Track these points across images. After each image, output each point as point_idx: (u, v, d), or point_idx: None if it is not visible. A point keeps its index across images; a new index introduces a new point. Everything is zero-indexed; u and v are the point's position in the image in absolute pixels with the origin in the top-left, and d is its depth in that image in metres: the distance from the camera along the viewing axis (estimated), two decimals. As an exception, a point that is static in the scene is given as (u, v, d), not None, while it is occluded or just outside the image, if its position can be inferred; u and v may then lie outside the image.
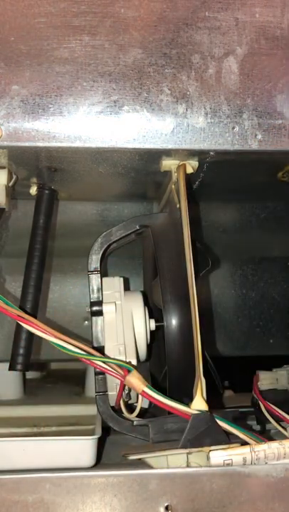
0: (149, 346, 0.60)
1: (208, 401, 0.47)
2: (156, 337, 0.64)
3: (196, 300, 0.49)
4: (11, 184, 0.58)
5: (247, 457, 0.44)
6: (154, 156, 0.54)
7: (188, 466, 0.47)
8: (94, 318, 0.57)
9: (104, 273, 0.62)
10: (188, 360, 0.50)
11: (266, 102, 0.52)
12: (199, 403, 0.46)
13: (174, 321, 0.54)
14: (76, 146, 0.50)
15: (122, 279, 0.61)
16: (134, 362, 0.56)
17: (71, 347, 0.48)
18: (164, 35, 0.51)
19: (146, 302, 0.61)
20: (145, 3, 0.51)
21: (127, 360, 0.55)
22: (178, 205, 0.56)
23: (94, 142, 0.50)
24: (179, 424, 0.47)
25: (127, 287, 0.63)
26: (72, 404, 0.74)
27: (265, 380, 0.67)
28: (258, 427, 0.64)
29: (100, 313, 0.58)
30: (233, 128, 0.51)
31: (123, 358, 0.55)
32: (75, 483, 0.44)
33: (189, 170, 0.55)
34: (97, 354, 0.49)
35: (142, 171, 0.59)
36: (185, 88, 0.51)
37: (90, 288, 0.59)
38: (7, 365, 0.57)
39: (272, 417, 0.60)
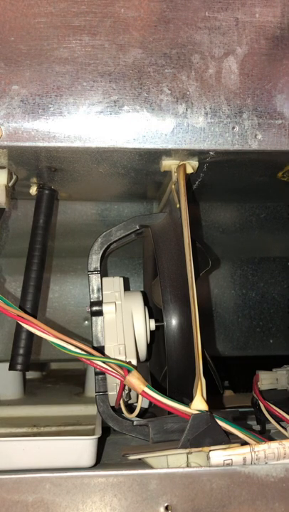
0: (149, 346, 0.60)
1: (208, 401, 0.47)
2: (156, 337, 0.64)
3: (196, 300, 0.49)
4: (11, 184, 0.58)
5: (247, 457, 0.44)
6: (154, 156, 0.54)
7: (188, 466, 0.47)
8: (94, 318, 0.57)
9: (104, 273, 0.62)
10: (188, 360, 0.50)
11: (266, 102, 0.52)
12: (199, 403, 0.46)
13: (174, 321, 0.55)
14: (76, 146, 0.50)
15: (122, 279, 0.61)
16: (134, 362, 0.56)
17: (71, 347, 0.48)
18: (164, 35, 0.51)
19: (146, 302, 0.61)
20: (145, 3, 0.51)
21: (127, 360, 0.55)
22: (178, 205, 0.56)
23: (94, 142, 0.50)
24: (179, 424, 0.47)
25: (127, 287, 0.63)
26: (72, 404, 0.74)
27: (265, 380, 0.67)
28: (258, 427, 0.64)
29: (100, 313, 0.58)
30: (233, 128, 0.51)
31: (123, 358, 0.55)
32: (75, 483, 0.44)
33: (189, 170, 0.55)
34: (97, 354, 0.49)
35: (142, 171, 0.59)
36: (185, 88, 0.51)
37: (90, 288, 0.59)
38: (7, 365, 0.57)
39: (272, 417, 0.60)
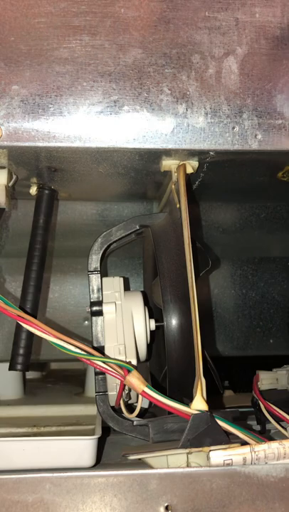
0: (149, 346, 0.60)
1: (208, 401, 0.47)
2: (156, 337, 0.64)
3: (196, 300, 0.49)
4: (11, 184, 0.58)
5: (247, 457, 0.44)
6: (154, 156, 0.54)
7: (188, 466, 0.47)
8: (94, 318, 0.58)
9: (104, 273, 0.62)
10: (189, 360, 0.50)
11: (266, 102, 0.52)
12: (199, 403, 0.46)
13: (174, 321, 0.54)
14: (76, 146, 0.50)
15: (122, 279, 0.61)
16: (134, 362, 0.56)
17: (71, 347, 0.48)
18: (164, 35, 0.51)
19: (146, 302, 0.61)
20: (145, 3, 0.51)
21: (127, 360, 0.55)
22: (178, 205, 0.56)
23: (94, 142, 0.50)
24: (179, 424, 0.47)
25: (127, 287, 0.63)
26: (72, 404, 0.74)
27: (265, 380, 0.67)
28: (258, 427, 0.64)
29: (100, 313, 0.58)
30: (233, 128, 0.51)
31: (123, 358, 0.55)
32: (75, 483, 0.44)
33: (189, 170, 0.55)
34: (97, 354, 0.49)
35: (142, 171, 0.59)
36: (185, 88, 0.51)
37: (90, 288, 0.59)
38: (7, 365, 0.57)
39: (272, 417, 0.60)
